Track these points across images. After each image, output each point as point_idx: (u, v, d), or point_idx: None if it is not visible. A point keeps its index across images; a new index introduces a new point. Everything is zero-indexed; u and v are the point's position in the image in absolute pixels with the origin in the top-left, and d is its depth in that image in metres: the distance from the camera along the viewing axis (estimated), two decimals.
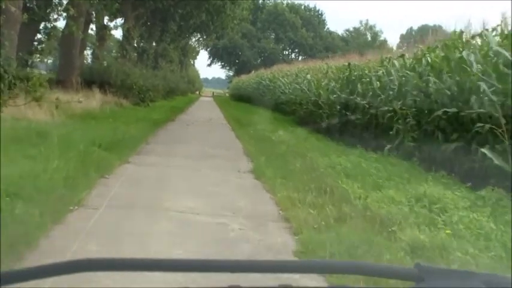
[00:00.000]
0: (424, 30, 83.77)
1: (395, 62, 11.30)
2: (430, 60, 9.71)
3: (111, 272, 0.72)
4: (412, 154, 9.11)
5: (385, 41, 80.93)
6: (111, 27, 22.69)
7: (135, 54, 35.50)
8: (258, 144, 10.66)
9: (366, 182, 6.53)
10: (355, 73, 14.11)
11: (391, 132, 9.98)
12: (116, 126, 10.62)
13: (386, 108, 10.64)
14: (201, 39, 57.05)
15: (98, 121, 11.22)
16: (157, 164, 7.73)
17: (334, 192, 5.72)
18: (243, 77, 52.24)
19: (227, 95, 68.51)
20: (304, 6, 79.55)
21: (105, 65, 19.96)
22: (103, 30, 21.91)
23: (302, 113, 19.59)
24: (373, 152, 9.84)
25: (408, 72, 10.56)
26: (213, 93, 79.04)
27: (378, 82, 12.19)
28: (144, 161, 7.86)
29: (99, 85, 17.97)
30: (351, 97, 13.07)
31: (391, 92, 11.18)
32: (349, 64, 14.56)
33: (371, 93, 12.30)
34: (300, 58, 67.44)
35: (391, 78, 11.42)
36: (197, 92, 72.66)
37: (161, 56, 44.11)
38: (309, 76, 20.39)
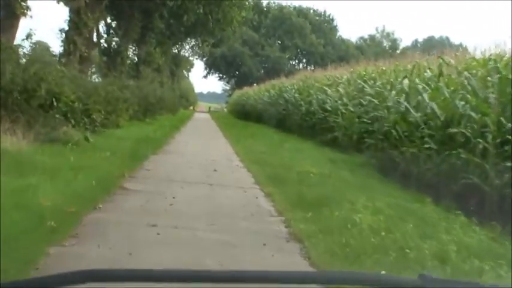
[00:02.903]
0: (430, 42, 74.94)
1: None
2: None
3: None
4: None
5: (406, 49, 71.59)
6: None
7: (104, 57, 25.49)
8: None
9: None
10: None
11: None
12: None
13: None
14: (195, 46, 47.17)
15: None
16: None
17: None
18: (248, 89, 42.26)
19: (225, 110, 59.39)
20: (313, 10, 69.90)
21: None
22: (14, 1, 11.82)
23: (400, 157, 9.50)
24: None
25: None
26: (209, 108, 69.94)
27: None
28: None
29: None
30: None
31: None
32: None
33: None
34: (309, 68, 57.66)
35: None
36: (191, 108, 62.96)
37: (144, 63, 34.16)
38: (406, 82, 10.36)
